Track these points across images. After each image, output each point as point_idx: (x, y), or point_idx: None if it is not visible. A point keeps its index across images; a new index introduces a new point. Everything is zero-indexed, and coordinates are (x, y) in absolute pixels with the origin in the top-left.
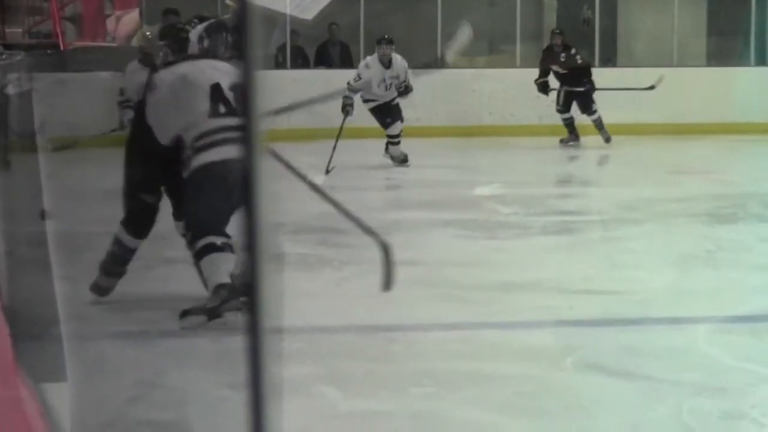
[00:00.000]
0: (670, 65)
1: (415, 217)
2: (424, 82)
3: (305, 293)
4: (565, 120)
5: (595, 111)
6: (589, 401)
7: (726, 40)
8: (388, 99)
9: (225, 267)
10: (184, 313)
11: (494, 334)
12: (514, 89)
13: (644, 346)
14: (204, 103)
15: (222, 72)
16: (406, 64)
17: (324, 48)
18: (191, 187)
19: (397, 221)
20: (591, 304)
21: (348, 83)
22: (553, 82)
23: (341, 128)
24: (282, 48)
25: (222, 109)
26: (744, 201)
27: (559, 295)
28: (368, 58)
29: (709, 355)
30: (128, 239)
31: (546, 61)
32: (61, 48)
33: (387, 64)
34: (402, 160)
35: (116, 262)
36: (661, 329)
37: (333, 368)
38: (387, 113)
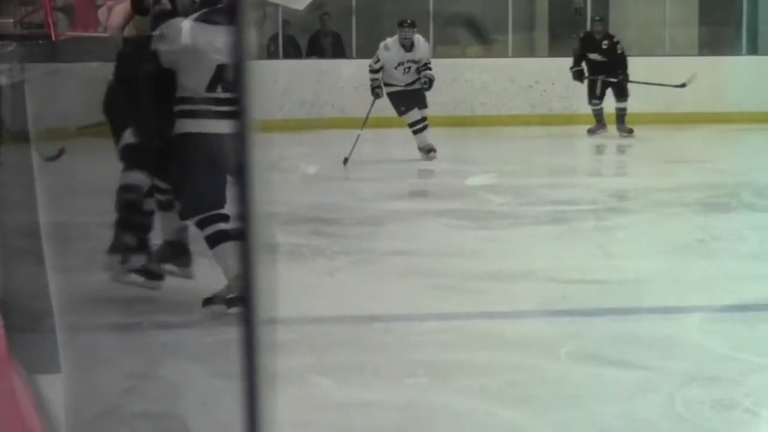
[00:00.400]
0: (662, 54)
1: (407, 207)
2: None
3: (298, 283)
4: (596, 110)
5: (626, 99)
6: (583, 390)
7: (717, 30)
8: (407, 83)
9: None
10: (206, 302)
11: (488, 324)
12: (506, 79)
13: (637, 335)
14: (205, 77)
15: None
16: (428, 47)
17: (316, 38)
18: (178, 157)
19: (390, 211)
20: (584, 294)
21: (369, 66)
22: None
23: (368, 114)
24: (274, 38)
25: (219, 88)
26: (736, 190)
27: (552, 285)
28: (389, 39)
29: (702, 345)
30: (137, 177)
31: (584, 48)
32: (53, 38)
33: (408, 47)
34: (427, 151)
35: (132, 211)
36: (654, 318)
37: (326, 359)
38: (403, 100)
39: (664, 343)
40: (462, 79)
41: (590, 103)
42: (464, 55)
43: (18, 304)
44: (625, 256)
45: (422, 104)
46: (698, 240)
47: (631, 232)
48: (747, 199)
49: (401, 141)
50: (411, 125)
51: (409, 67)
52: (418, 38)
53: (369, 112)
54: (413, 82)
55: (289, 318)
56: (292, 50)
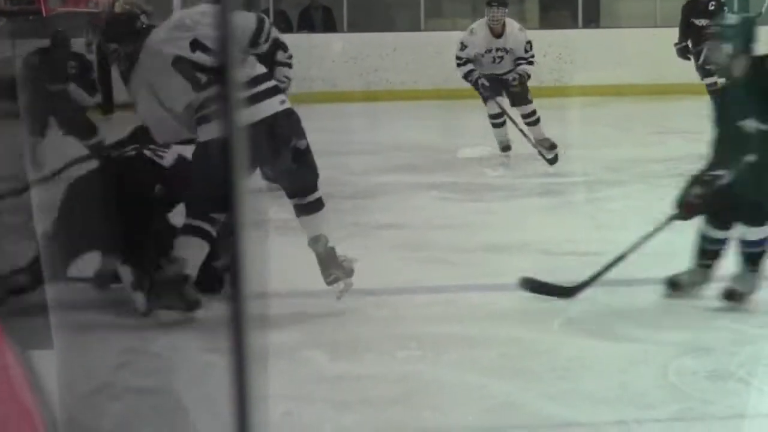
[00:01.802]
0: (653, 25)
1: (399, 180)
2: (406, 45)
3: (289, 258)
4: (711, 85)
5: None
6: (576, 363)
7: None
8: (501, 73)
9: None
10: None
11: (480, 297)
12: None
13: (630, 307)
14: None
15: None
16: (526, 37)
17: (306, 11)
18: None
19: (382, 184)
20: (576, 266)
21: (456, 56)
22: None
23: (501, 108)
24: (265, 12)
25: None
26: None
27: (545, 257)
28: (477, 21)
29: (695, 316)
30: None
31: (689, 14)
32: (44, 14)
33: (498, 31)
34: (505, 147)
35: None
36: (646, 290)
37: (318, 332)
38: (491, 87)
39: (656, 314)
40: (451, 51)
41: (705, 76)
42: (454, 28)
43: (9, 280)
44: (617, 228)
45: (524, 99)
46: None
47: (623, 204)
48: None
49: (391, 115)
50: (492, 116)
51: (501, 57)
52: (512, 24)
53: (500, 107)
54: (506, 73)
55: (281, 292)
56: (283, 24)
